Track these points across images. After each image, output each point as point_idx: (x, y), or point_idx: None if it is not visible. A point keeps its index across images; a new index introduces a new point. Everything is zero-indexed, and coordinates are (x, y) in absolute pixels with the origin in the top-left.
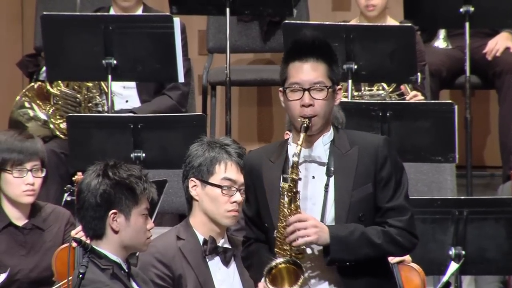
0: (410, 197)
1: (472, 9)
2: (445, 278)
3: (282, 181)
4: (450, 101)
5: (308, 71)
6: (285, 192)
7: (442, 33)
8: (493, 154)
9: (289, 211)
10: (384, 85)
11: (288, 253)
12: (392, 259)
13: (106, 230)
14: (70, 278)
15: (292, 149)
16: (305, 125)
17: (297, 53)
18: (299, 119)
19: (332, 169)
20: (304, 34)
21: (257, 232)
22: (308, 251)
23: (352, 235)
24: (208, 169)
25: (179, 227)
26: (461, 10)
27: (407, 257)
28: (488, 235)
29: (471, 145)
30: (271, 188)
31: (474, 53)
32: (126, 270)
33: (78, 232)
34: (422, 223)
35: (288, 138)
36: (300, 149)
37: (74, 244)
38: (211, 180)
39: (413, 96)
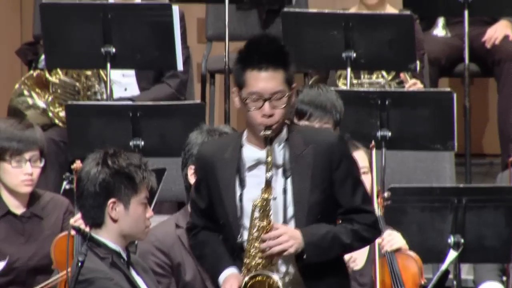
0: (409, 185)
1: None
2: (444, 266)
3: (241, 188)
4: (449, 89)
5: (267, 81)
6: (257, 209)
7: (441, 21)
8: (492, 142)
9: (261, 226)
10: (384, 73)
11: (261, 265)
12: (389, 247)
13: (105, 218)
14: (69, 270)
15: (247, 150)
16: (269, 138)
17: (254, 61)
18: (259, 128)
19: (289, 170)
20: (259, 37)
21: (206, 221)
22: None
23: (324, 239)
24: None
25: (177, 215)
26: None
27: (404, 245)
28: (487, 223)
29: (470, 133)
30: (225, 186)
31: (473, 41)
32: (126, 259)
33: (77, 220)
34: (421, 211)
35: (242, 134)
36: (271, 163)
37: (73, 232)
38: None
39: (413, 84)
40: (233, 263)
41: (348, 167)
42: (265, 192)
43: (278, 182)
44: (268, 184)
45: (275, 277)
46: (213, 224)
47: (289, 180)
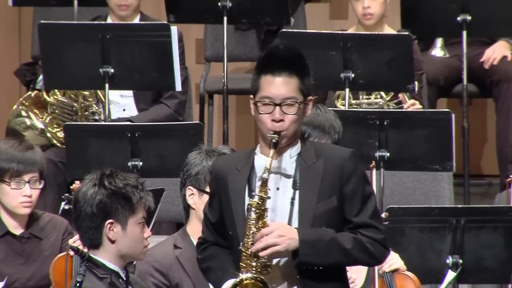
0: (407, 206)
1: (469, 17)
2: (442, 287)
3: (250, 198)
4: (447, 109)
5: (280, 86)
6: (253, 209)
7: (439, 41)
8: (491, 162)
9: (256, 227)
10: (382, 93)
11: (255, 268)
12: (387, 268)
13: (103, 239)
14: None
15: (258, 159)
16: (274, 141)
17: (269, 66)
18: (268, 134)
19: (298, 182)
20: (277, 45)
21: (216, 236)
22: (274, 261)
23: (321, 240)
24: (205, 178)
25: (176, 236)
26: (458, 18)
27: (402, 266)
28: (485, 243)
29: (468, 154)
30: (236, 197)
31: (472, 62)
32: (124, 279)
33: (75, 241)
34: (420, 232)
35: (256, 147)
36: (270, 165)
37: (71, 253)
38: (208, 189)
39: (411, 105)
40: (236, 276)
41: (357, 183)
42: (260, 192)
43: (287, 193)
44: (264, 183)
45: (266, 281)
46: (223, 240)
47: (297, 192)
